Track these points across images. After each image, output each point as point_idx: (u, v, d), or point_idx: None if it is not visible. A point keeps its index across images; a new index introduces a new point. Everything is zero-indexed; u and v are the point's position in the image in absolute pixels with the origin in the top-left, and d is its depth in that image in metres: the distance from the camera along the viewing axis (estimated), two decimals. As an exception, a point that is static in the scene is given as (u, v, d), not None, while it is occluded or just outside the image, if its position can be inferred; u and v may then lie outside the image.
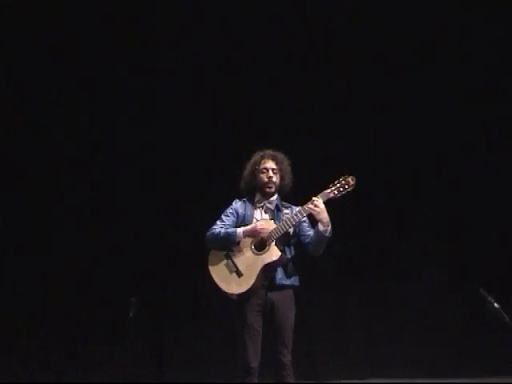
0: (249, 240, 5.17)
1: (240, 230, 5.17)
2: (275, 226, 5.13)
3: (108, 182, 7.72)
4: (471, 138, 7.82)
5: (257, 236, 5.13)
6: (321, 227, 5.06)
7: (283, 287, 5.16)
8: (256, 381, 5.06)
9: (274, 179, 5.31)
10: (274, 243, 5.10)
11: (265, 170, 5.32)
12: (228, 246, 5.17)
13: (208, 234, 5.26)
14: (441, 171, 7.91)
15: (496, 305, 4.35)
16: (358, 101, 7.71)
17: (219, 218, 5.33)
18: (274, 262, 5.08)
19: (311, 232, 5.21)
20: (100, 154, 7.62)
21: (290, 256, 5.18)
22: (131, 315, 5.00)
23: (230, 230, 5.18)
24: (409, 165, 7.91)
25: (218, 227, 5.24)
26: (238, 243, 5.16)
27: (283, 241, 5.17)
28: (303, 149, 7.24)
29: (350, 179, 5.07)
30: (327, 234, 5.07)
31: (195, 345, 7.62)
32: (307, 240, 5.20)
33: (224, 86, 7.66)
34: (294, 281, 5.20)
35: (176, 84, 7.63)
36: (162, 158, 7.69)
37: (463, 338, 7.78)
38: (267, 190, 5.29)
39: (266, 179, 5.30)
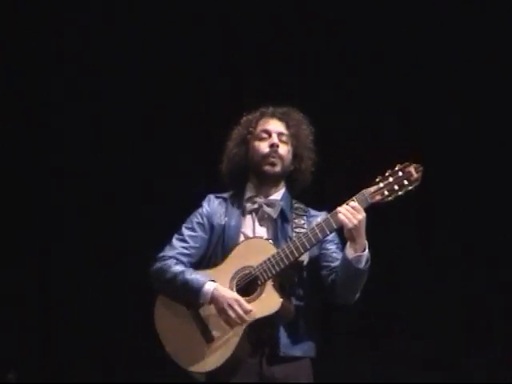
0: (225, 274, 3.11)
1: (209, 288, 3.09)
2: (274, 251, 3.06)
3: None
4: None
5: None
6: (350, 252, 3.01)
7: (292, 359, 3.10)
8: None
9: (282, 151, 3.19)
10: (270, 283, 3.05)
11: (265, 135, 3.22)
12: (186, 301, 3.15)
13: (155, 268, 3.21)
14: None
15: None
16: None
17: (179, 230, 3.26)
18: (270, 315, 3.03)
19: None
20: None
21: (302, 304, 3.13)
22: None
23: (195, 279, 3.12)
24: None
25: (174, 257, 3.19)
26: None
27: (289, 277, 3.11)
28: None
29: (412, 169, 2.98)
30: (362, 266, 3.01)
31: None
32: (332, 275, 3.11)
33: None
34: (309, 348, 3.15)
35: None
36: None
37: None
38: (267, 168, 3.18)
39: (267, 149, 3.18)
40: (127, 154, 5.29)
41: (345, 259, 3.02)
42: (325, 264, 3.15)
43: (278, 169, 3.19)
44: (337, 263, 3.12)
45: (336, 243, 3.19)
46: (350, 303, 3.14)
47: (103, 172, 5.27)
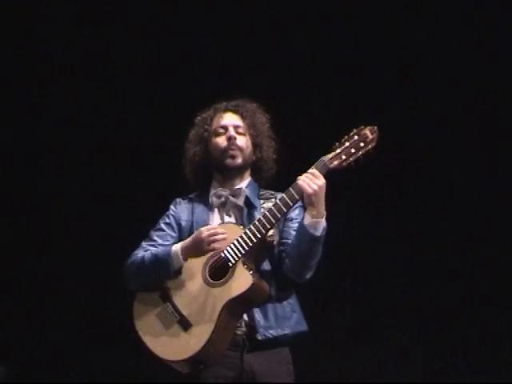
0: (198, 262, 3.10)
1: (176, 246, 3.13)
2: (242, 231, 3.07)
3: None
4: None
5: (206, 248, 3.05)
6: (307, 218, 3.00)
7: (272, 343, 3.08)
8: None
9: (240, 143, 3.23)
10: (241, 263, 3.05)
11: (221, 130, 3.26)
12: (161, 278, 3.15)
13: (126, 264, 3.25)
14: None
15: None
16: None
17: (147, 235, 3.30)
18: (242, 295, 3.02)
19: None
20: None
21: (276, 282, 3.13)
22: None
23: (160, 249, 3.18)
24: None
25: (142, 251, 3.23)
26: (180, 271, 3.13)
27: (260, 257, 3.12)
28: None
29: (367, 131, 3.04)
30: (318, 234, 3.00)
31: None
32: (287, 249, 3.12)
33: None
34: (293, 327, 3.11)
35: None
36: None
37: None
38: (228, 162, 3.21)
39: (225, 143, 3.22)
40: (127, 155, 5.30)
41: (301, 226, 3.03)
42: (283, 240, 3.16)
43: (239, 160, 3.22)
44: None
45: (299, 220, 3.16)
46: (301, 279, 3.12)
47: (103, 172, 5.28)
